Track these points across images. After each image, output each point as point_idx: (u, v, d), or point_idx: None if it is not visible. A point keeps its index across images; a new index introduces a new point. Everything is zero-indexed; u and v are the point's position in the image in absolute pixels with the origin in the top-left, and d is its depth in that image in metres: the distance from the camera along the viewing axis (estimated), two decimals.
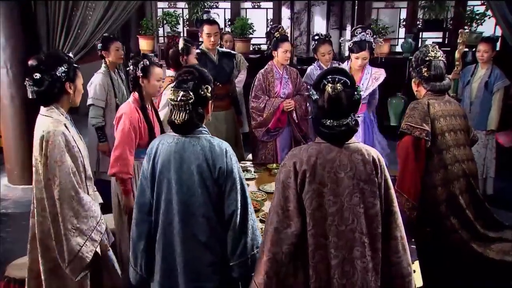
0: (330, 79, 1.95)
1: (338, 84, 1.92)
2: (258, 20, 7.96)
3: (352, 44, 3.96)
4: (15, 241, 4.13)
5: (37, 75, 2.42)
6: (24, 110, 5.04)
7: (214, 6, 7.81)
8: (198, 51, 4.31)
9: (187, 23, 8.12)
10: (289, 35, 8.35)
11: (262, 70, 4.35)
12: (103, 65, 4.50)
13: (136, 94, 3.14)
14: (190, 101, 2.13)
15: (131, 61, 3.13)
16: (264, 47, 8.15)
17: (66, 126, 2.47)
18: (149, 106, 3.23)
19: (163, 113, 3.54)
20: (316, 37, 4.56)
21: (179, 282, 2.21)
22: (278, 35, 4.22)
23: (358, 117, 2.07)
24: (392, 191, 2.03)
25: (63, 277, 2.51)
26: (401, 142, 2.89)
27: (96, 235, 2.50)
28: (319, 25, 9.22)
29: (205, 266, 2.19)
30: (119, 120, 3.07)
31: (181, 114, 2.14)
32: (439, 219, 2.86)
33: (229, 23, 7.94)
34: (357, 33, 3.92)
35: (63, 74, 2.46)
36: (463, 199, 2.87)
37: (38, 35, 4.93)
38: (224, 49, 4.59)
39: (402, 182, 2.84)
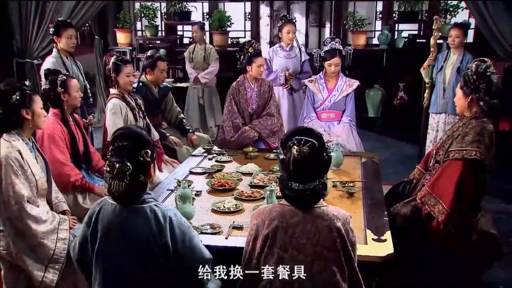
0: (296, 141, 1.84)
1: (305, 147, 1.82)
2: (236, 13, 7.95)
3: (324, 53, 4.24)
4: None
5: None
6: None
7: None
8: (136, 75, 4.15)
9: (165, 16, 8.09)
10: (268, 32, 8.45)
11: (233, 84, 4.31)
12: (54, 49, 4.37)
13: (56, 110, 3.21)
14: (128, 172, 1.93)
15: (46, 80, 3.20)
16: (242, 40, 8.16)
17: (20, 152, 2.52)
18: (71, 118, 3.32)
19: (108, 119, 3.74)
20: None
21: None
22: (252, 50, 4.18)
23: (327, 179, 2.04)
24: (355, 253, 1.94)
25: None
26: (462, 164, 2.73)
27: (62, 233, 2.61)
28: (299, 22, 9.14)
29: None
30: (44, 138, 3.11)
31: (120, 185, 1.94)
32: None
33: (207, 16, 7.94)
34: (326, 43, 4.25)
35: (16, 102, 2.53)
36: None
37: (10, 23, 4.85)
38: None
39: (451, 198, 2.71)
